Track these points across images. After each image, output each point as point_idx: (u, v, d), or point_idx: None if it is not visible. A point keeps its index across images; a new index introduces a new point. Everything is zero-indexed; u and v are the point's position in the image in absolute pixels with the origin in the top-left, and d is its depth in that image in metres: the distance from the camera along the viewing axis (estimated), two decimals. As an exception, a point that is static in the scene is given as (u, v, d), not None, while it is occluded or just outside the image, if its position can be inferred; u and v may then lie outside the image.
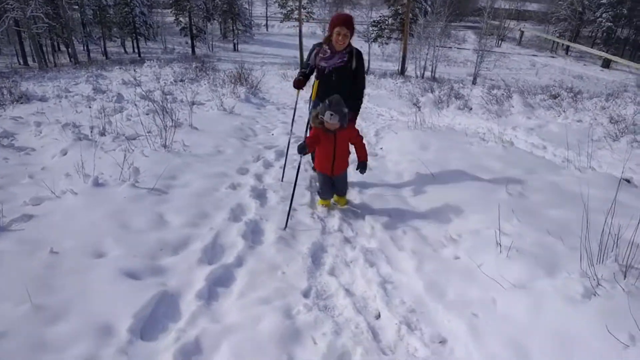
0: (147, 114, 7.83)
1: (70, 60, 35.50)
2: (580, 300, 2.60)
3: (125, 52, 44.95)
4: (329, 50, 4.44)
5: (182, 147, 5.80)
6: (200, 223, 3.80)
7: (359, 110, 4.72)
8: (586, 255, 2.86)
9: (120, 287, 2.75)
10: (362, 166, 4.22)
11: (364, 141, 4.30)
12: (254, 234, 3.79)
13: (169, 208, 3.98)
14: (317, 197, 4.61)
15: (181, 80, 15.66)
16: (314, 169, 5.17)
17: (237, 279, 3.11)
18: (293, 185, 4.17)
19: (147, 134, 6.07)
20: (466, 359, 2.45)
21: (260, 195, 4.63)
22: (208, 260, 3.26)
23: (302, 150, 3.91)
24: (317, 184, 4.51)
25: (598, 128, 9.13)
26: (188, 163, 5.24)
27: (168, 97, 10.18)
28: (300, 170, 4.26)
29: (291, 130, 5.23)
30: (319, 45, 4.59)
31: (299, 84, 4.69)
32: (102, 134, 6.57)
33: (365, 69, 4.97)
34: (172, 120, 6.57)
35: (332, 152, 4.03)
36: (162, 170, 4.63)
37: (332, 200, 4.54)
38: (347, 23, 4.31)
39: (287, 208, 4.07)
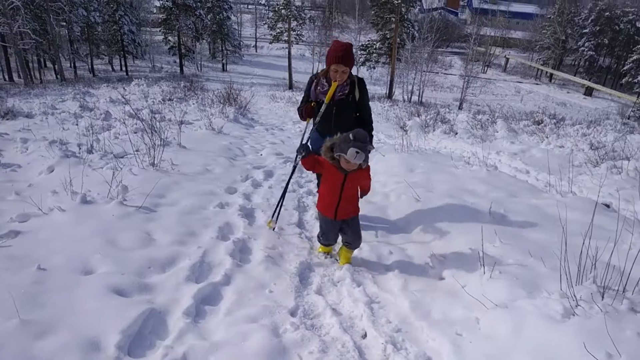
0: (135, 132, 7.86)
1: (57, 77, 35.32)
2: (560, 319, 2.67)
3: (113, 69, 44.99)
4: (326, 84, 4.09)
5: (170, 166, 5.83)
6: (188, 241, 3.81)
7: (371, 137, 4.16)
8: (566, 276, 2.94)
9: (108, 303, 2.75)
10: (362, 193, 3.73)
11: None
12: (241, 252, 3.82)
13: (157, 226, 4.00)
14: (317, 243, 4.01)
15: (169, 100, 15.71)
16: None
17: (225, 297, 3.13)
18: (285, 185, 4.32)
19: (135, 152, 6.08)
20: (450, 377, 2.49)
21: (248, 214, 4.67)
22: (196, 279, 3.28)
23: (304, 150, 3.46)
24: (319, 227, 3.79)
25: (579, 154, 9.36)
26: (176, 181, 5.27)
27: (156, 115, 10.22)
28: (293, 173, 4.25)
29: (291, 176, 4.51)
30: (316, 76, 4.25)
31: (309, 112, 4.23)
32: (90, 151, 6.57)
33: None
34: (160, 139, 6.60)
35: (339, 194, 3.43)
36: (150, 189, 4.65)
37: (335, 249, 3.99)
38: (344, 59, 3.89)
39: (276, 228, 4.13)
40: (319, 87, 4.16)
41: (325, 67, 4.10)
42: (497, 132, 11.76)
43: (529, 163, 8.66)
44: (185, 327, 2.67)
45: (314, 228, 4.57)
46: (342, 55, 3.88)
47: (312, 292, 3.34)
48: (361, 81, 4.17)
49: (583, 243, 3.08)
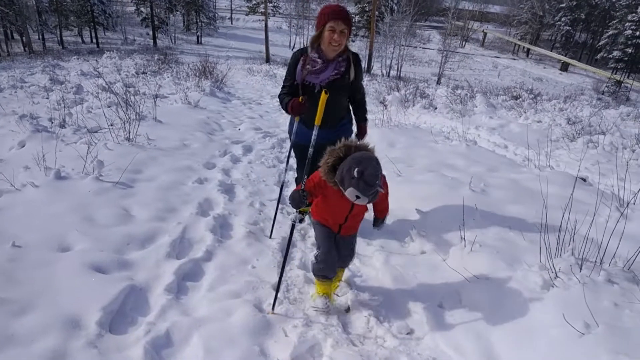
0: (109, 107, 7.64)
1: (25, 50, 33.93)
2: (539, 291, 2.72)
3: (83, 42, 43.36)
4: (319, 60, 3.24)
5: (146, 141, 5.69)
6: (167, 217, 3.75)
7: (366, 121, 3.70)
8: (545, 249, 2.99)
9: (87, 280, 2.69)
10: (381, 222, 2.92)
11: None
12: (222, 228, 3.77)
13: (135, 202, 3.91)
14: (311, 277, 3.10)
15: (143, 73, 15.28)
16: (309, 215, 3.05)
17: (207, 273, 3.10)
18: (286, 246, 2.90)
19: (110, 127, 5.91)
20: (433, 349, 2.53)
21: (228, 190, 4.60)
22: (176, 255, 3.23)
23: (300, 201, 2.52)
24: (316, 250, 2.80)
25: (556, 129, 9.49)
26: (153, 157, 5.15)
27: (130, 89, 9.94)
28: (293, 233, 2.90)
29: (281, 190, 3.93)
30: (303, 52, 3.37)
31: (299, 108, 3.24)
32: (62, 126, 6.36)
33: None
34: (135, 113, 6.43)
35: (344, 218, 2.68)
36: (126, 164, 4.53)
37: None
38: (343, 16, 3.12)
39: (256, 205, 4.07)
40: (307, 66, 3.26)
41: (314, 34, 3.27)
42: (476, 107, 11.82)
43: (507, 138, 8.75)
44: (167, 304, 2.64)
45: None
46: (340, 10, 3.15)
47: (295, 267, 3.33)
48: (356, 57, 3.41)
49: (562, 216, 3.13)
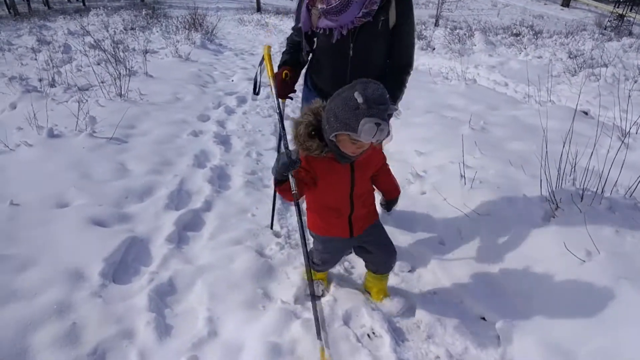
0: (99, 64, 7.47)
1: (10, 12, 32.90)
2: (541, 223, 2.71)
3: (69, 0, 42.06)
4: None
5: (138, 96, 5.60)
6: (164, 170, 3.71)
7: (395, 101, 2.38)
8: (546, 182, 2.95)
9: (87, 234, 2.68)
10: (391, 203, 2.30)
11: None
12: (220, 179, 3.74)
13: (131, 156, 3.87)
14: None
15: (132, 29, 14.84)
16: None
17: (207, 222, 3.09)
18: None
19: (100, 84, 5.80)
20: (434, 284, 2.54)
21: (224, 141, 4.55)
22: (175, 206, 3.21)
23: (290, 167, 1.79)
24: (315, 253, 2.31)
25: (557, 63, 9.28)
26: (146, 111, 5.07)
27: (119, 46, 9.69)
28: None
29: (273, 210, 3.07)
30: None
31: (284, 89, 2.39)
32: (52, 85, 6.25)
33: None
34: (126, 68, 6.28)
35: (349, 199, 2.02)
36: (119, 119, 4.45)
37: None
38: None
39: (253, 154, 4.02)
40: (319, 4, 2.14)
41: None
42: (475, 45, 11.53)
43: (507, 75, 8.56)
44: (169, 253, 2.65)
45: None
46: None
47: (295, 213, 3.31)
48: None
49: (563, 148, 3.08)
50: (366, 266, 2.36)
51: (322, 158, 1.82)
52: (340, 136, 1.70)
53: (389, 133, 1.62)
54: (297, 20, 2.33)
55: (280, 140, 2.48)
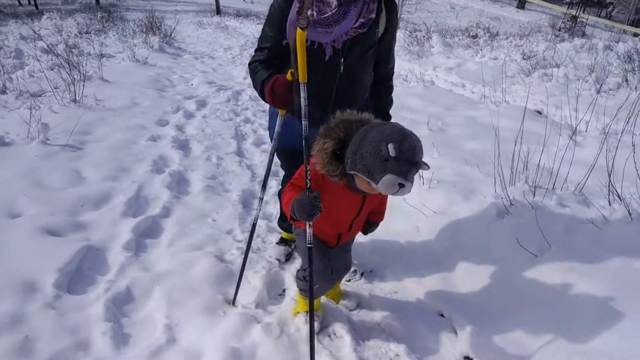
0: (52, 69, 7.22)
1: (-44, 15, 31.53)
2: (495, 219, 2.80)
3: (20, 4, 40.33)
4: (334, 0, 1.85)
5: (94, 101, 5.45)
6: (120, 177, 3.62)
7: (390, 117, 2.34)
8: (500, 179, 3.05)
9: (40, 244, 2.58)
10: (371, 227, 2.15)
11: None
12: (179, 184, 3.68)
13: (86, 163, 3.76)
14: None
15: (87, 33, 14.43)
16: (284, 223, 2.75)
17: (165, 229, 3.03)
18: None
19: (54, 90, 5.61)
20: (394, 283, 2.58)
21: (183, 146, 4.48)
22: (133, 213, 3.14)
23: (312, 207, 1.60)
24: (303, 265, 2.08)
25: (512, 64, 9.57)
26: (102, 117, 4.94)
27: (73, 50, 9.42)
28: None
29: (252, 231, 2.42)
30: None
31: (285, 97, 1.78)
32: (3, 91, 6.00)
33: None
34: (80, 73, 6.10)
35: (351, 220, 1.96)
36: (74, 126, 4.32)
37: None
38: None
39: (213, 159, 3.97)
40: (310, 11, 1.83)
41: None
42: (433, 47, 11.78)
43: (464, 77, 8.78)
44: (126, 261, 2.58)
45: (254, 156, 4.45)
46: None
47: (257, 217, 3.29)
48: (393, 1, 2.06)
49: (515, 146, 3.18)
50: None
51: (339, 186, 1.68)
52: (357, 176, 1.57)
53: (409, 191, 1.50)
54: (270, 34, 1.98)
55: (269, 166, 2.21)
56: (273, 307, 2.35)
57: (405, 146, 1.42)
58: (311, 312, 1.80)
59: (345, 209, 1.86)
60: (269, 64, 1.96)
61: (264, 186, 2.24)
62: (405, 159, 1.43)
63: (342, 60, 1.92)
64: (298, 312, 2.20)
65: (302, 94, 1.63)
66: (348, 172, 1.58)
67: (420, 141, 1.49)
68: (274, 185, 3.72)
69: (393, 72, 2.25)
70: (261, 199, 2.28)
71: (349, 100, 1.99)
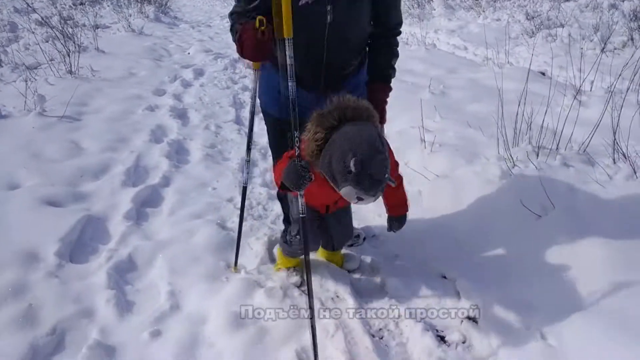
0: (47, 41, 7.12)
1: (-52, -11, 30.96)
2: (498, 181, 2.76)
3: (13, -25, 39.77)
4: None
5: (90, 72, 5.40)
6: (119, 147, 3.60)
7: (389, 79, 2.16)
8: (503, 141, 3.00)
9: (41, 215, 2.58)
10: (397, 221, 2.07)
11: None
12: (178, 153, 3.67)
13: (84, 134, 3.74)
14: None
15: (81, 4, 14.18)
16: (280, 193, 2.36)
17: (166, 198, 3.03)
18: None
19: (49, 62, 5.55)
20: (397, 246, 2.56)
21: (181, 115, 4.45)
22: (132, 183, 3.13)
23: (300, 176, 1.54)
24: (292, 230, 2.10)
25: (515, 25, 9.34)
26: (98, 88, 4.90)
27: (68, 21, 9.27)
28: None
29: (244, 196, 2.41)
30: None
31: (259, 48, 1.63)
32: (-1, 65, 5.94)
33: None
34: (75, 44, 6.01)
35: (337, 198, 1.89)
36: (70, 97, 4.27)
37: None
38: None
39: (212, 127, 3.94)
40: None
41: None
42: (435, 9, 11.50)
43: (466, 39, 8.58)
44: (127, 230, 2.58)
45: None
46: None
47: (257, 185, 3.28)
48: None
49: (518, 108, 3.12)
50: (326, 239, 2.24)
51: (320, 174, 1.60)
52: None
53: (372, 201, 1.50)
54: None
55: (250, 131, 2.14)
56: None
57: (368, 163, 1.39)
58: (309, 286, 1.74)
59: (327, 194, 1.74)
60: (248, 15, 1.70)
61: (249, 148, 2.22)
62: (368, 174, 1.40)
63: (329, 7, 1.67)
64: (279, 269, 2.30)
65: (287, 52, 1.52)
66: (319, 169, 1.55)
67: (387, 159, 1.46)
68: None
69: (398, 31, 2.01)
70: (248, 161, 2.25)
71: (341, 60, 1.86)
